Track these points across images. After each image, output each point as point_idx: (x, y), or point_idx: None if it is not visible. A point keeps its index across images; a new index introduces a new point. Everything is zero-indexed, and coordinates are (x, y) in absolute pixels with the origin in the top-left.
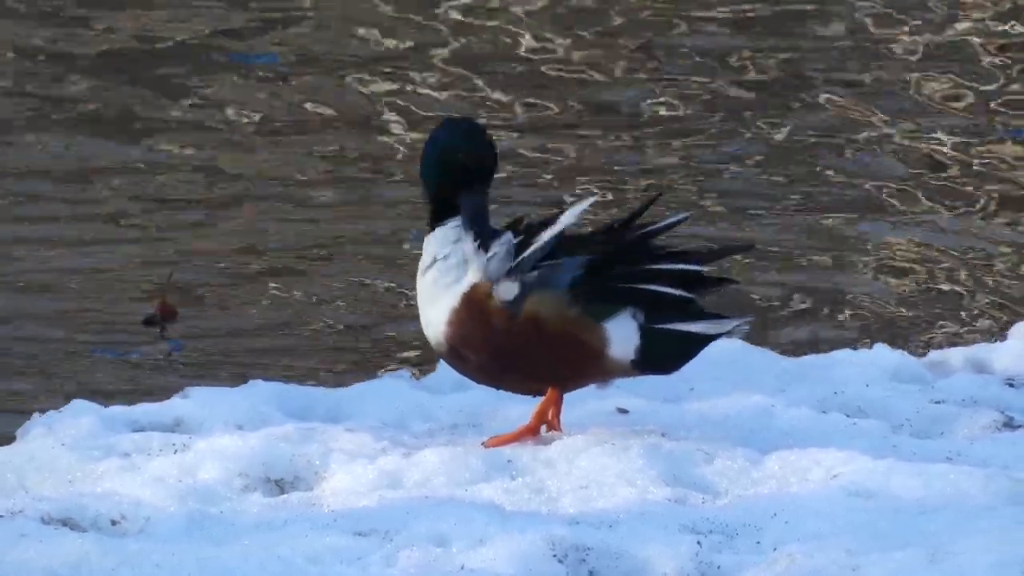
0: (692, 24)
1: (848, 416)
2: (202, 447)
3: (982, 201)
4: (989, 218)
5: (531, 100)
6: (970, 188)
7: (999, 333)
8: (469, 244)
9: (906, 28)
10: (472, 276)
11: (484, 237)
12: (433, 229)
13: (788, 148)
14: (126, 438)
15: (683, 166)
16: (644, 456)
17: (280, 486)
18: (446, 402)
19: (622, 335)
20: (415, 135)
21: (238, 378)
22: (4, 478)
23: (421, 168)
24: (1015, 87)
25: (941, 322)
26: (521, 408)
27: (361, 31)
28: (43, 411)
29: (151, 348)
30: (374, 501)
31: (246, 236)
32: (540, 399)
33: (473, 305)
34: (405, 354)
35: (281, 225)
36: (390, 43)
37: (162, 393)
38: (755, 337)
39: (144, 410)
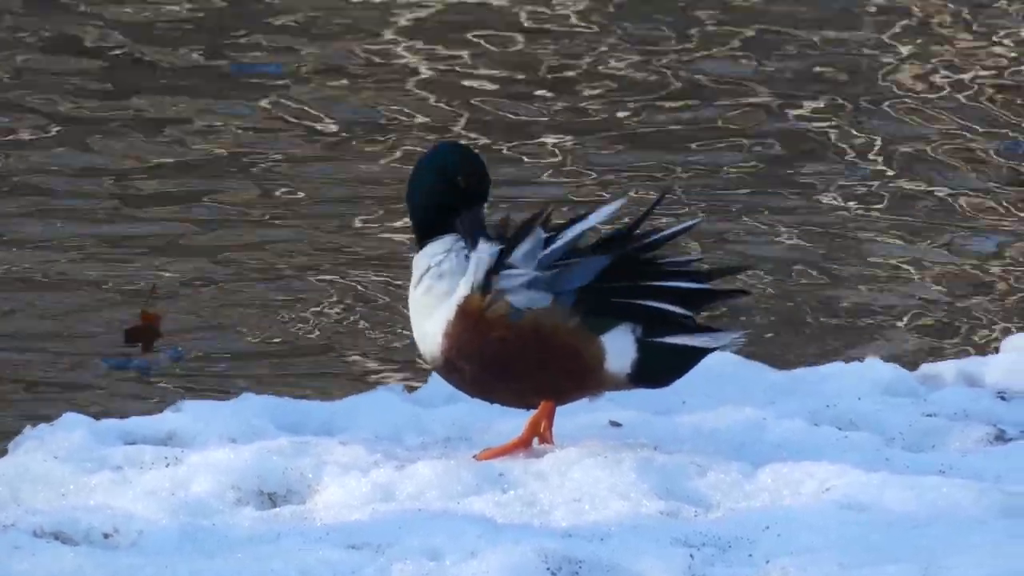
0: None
1: (840, 429)
2: (195, 460)
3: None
4: (986, 232)
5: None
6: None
7: (991, 346)
8: (472, 251)
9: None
10: (465, 287)
11: (487, 240)
12: (422, 247)
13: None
14: (118, 451)
15: (688, 170)
16: (636, 469)
17: (273, 499)
18: (439, 415)
19: (619, 349)
20: (406, 150)
21: (231, 391)
22: None
23: (413, 189)
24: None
25: (935, 334)
26: (513, 421)
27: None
28: (35, 424)
29: (146, 359)
30: (367, 514)
31: (239, 247)
32: (532, 412)
33: (469, 315)
34: (398, 367)
35: (274, 236)
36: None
37: (155, 406)
38: (747, 350)
39: (136, 423)
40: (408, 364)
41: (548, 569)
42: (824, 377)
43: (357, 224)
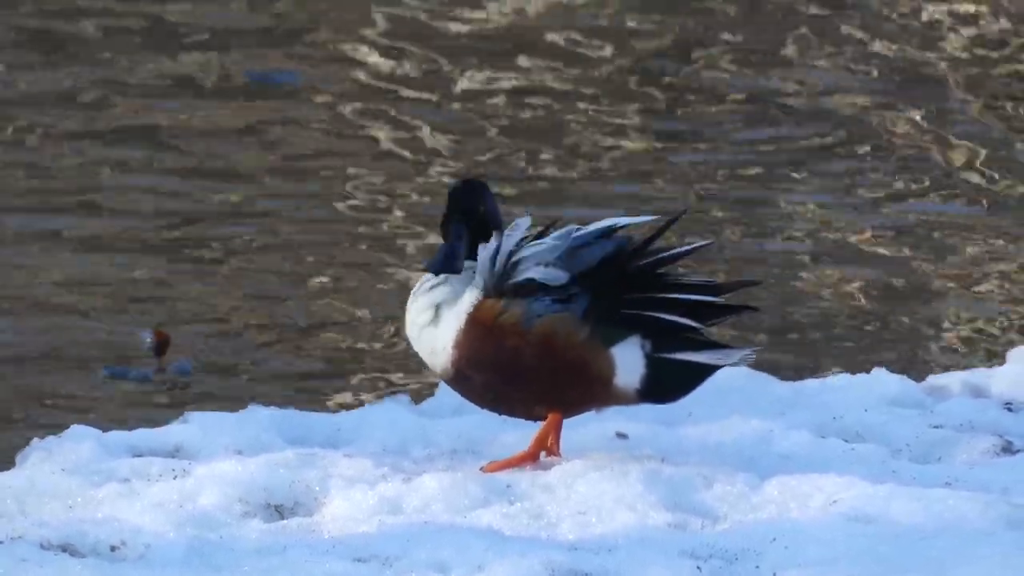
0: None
1: (847, 441)
2: (202, 473)
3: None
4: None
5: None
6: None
7: (997, 357)
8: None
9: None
10: (472, 295)
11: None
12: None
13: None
14: (125, 463)
15: (695, 179)
16: (643, 481)
17: (280, 512)
18: (445, 427)
19: (629, 363)
20: (419, 165)
21: (237, 403)
22: (4, 503)
23: (443, 223)
24: None
25: (941, 345)
26: (519, 433)
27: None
28: (42, 436)
29: (152, 371)
30: (374, 527)
31: (246, 260)
32: (540, 424)
33: (482, 322)
34: (404, 379)
35: (281, 249)
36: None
37: (161, 418)
38: (753, 361)
39: (143, 435)
40: (415, 376)
41: None
42: (830, 389)
43: (366, 235)
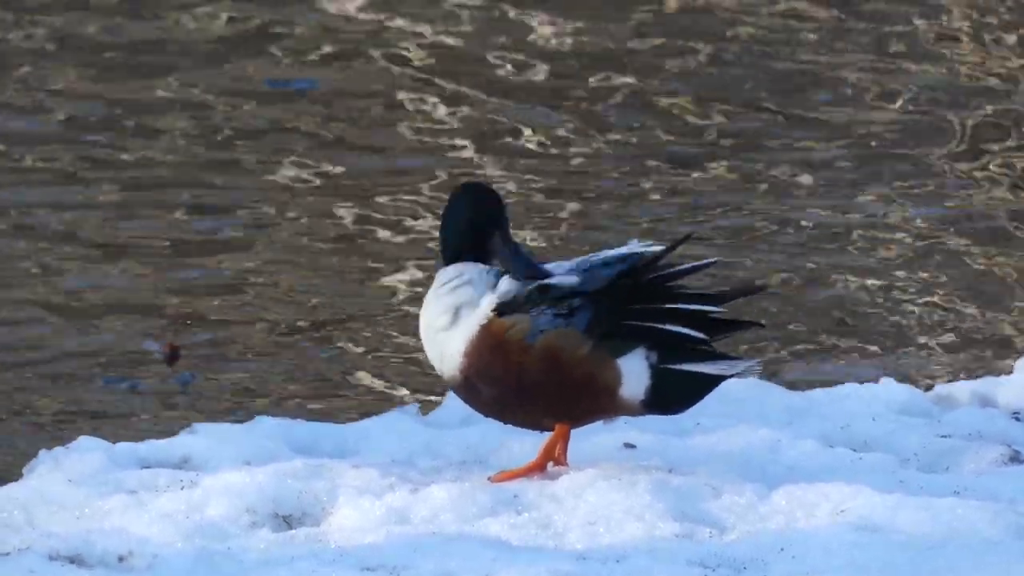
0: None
1: (855, 450)
2: (209, 483)
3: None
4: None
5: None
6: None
7: (1006, 367)
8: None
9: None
10: (488, 303)
11: (521, 259)
12: (450, 262)
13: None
14: (133, 474)
15: (698, 195)
16: (651, 491)
17: (288, 522)
18: (453, 437)
19: (635, 374)
20: (431, 169)
21: (245, 414)
22: (12, 515)
23: (446, 225)
24: None
25: (949, 354)
26: (527, 444)
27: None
28: (50, 447)
29: (159, 382)
30: (381, 537)
31: (252, 270)
32: (547, 435)
33: (491, 336)
34: (411, 389)
35: (288, 259)
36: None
37: (169, 429)
38: (760, 371)
39: (151, 446)
40: (423, 386)
41: None
42: (838, 398)
43: (371, 244)
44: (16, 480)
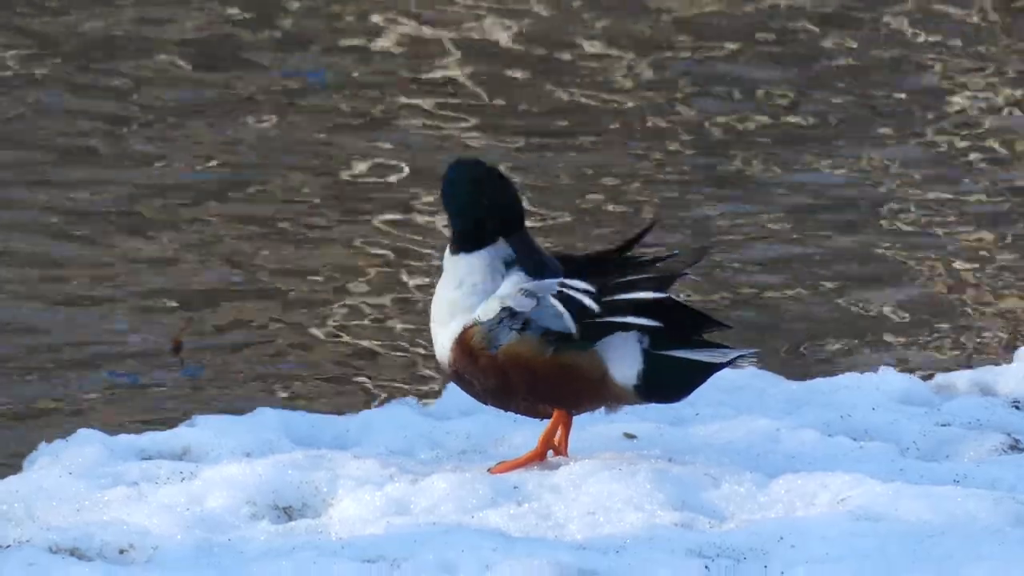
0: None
1: (854, 439)
2: (209, 475)
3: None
4: (1001, 237)
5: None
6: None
7: (1005, 355)
8: (516, 277)
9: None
10: (478, 311)
11: (539, 269)
12: (460, 252)
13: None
14: (133, 466)
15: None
16: (651, 481)
17: (288, 513)
18: (452, 428)
19: (625, 359)
20: (422, 165)
21: (245, 405)
22: (11, 507)
23: (459, 197)
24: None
25: (949, 344)
26: (527, 434)
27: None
28: (50, 440)
29: (160, 374)
30: (381, 528)
31: (253, 260)
32: (547, 423)
33: (464, 343)
34: (411, 381)
35: (288, 250)
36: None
37: (169, 421)
38: (760, 360)
39: (151, 438)
40: (422, 377)
41: None
42: (838, 387)
43: (369, 238)
44: (16, 473)
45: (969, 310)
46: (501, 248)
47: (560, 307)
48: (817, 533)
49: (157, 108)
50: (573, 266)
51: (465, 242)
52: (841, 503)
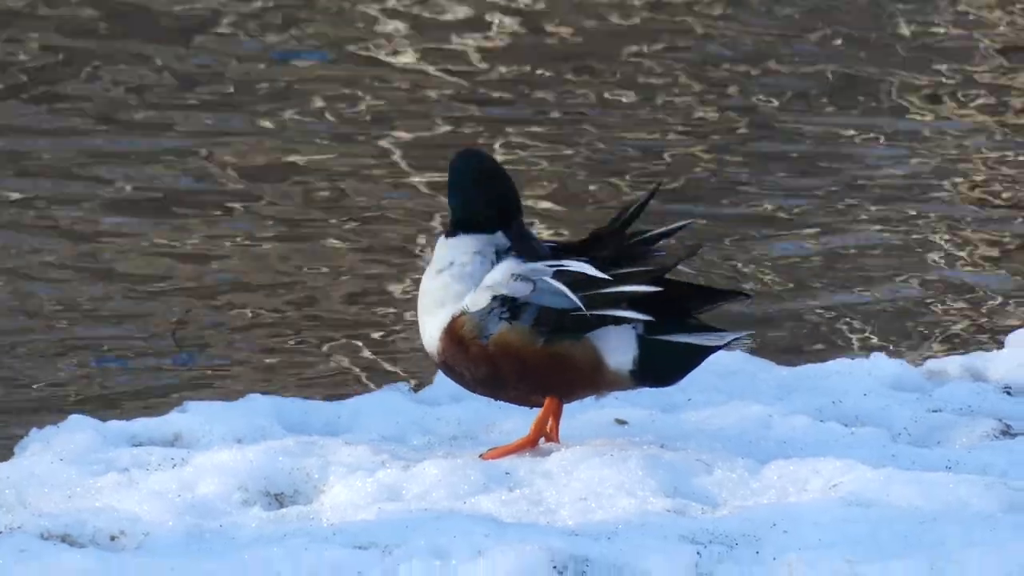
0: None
1: (846, 425)
2: (201, 461)
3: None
4: (990, 225)
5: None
6: (976, 195)
7: (996, 341)
8: (513, 264)
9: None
10: (467, 299)
11: (533, 256)
12: (453, 234)
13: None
14: (125, 453)
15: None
16: (643, 467)
17: (279, 500)
18: (444, 414)
19: (620, 346)
20: (422, 149)
21: (236, 392)
22: (3, 494)
23: (462, 186)
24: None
25: (940, 330)
26: (519, 420)
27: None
28: (41, 426)
29: (152, 360)
30: (373, 514)
31: (247, 249)
32: (538, 411)
33: (454, 334)
34: (402, 367)
35: (280, 235)
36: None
37: (160, 407)
38: (752, 347)
39: (143, 424)
40: (414, 363)
41: (555, 568)
42: (830, 373)
43: (361, 221)
44: (7, 459)
45: (960, 295)
46: (496, 238)
47: (558, 285)
48: (809, 519)
49: (152, 89)
50: (571, 251)
51: (461, 226)
52: (833, 489)
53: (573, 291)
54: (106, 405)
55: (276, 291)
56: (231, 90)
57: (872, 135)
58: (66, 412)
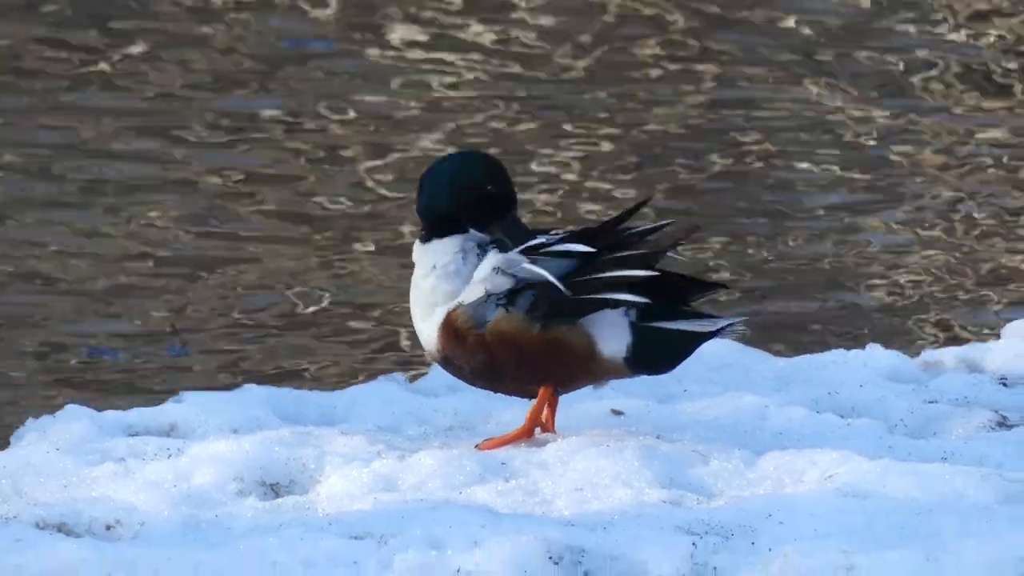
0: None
1: (842, 416)
2: (196, 451)
3: (976, 197)
4: (982, 212)
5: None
6: (965, 183)
7: (992, 332)
8: (514, 259)
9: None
10: (464, 294)
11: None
12: (430, 240)
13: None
14: (120, 443)
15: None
16: (639, 457)
17: (275, 490)
18: (440, 405)
19: (613, 333)
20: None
21: (232, 382)
22: None
23: (435, 189)
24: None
25: (936, 321)
26: (515, 411)
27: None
28: (37, 416)
29: (147, 350)
30: (369, 504)
31: (242, 239)
32: (534, 401)
33: (451, 327)
34: (398, 357)
35: (277, 228)
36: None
37: (156, 397)
38: (748, 337)
39: (138, 414)
40: (410, 354)
41: (550, 558)
42: (825, 364)
43: (360, 211)
44: (3, 449)
45: (956, 286)
46: (472, 235)
47: (538, 270)
48: (805, 510)
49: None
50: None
51: (434, 231)
52: (829, 480)
53: (564, 276)
54: (102, 395)
55: (272, 281)
56: (247, 73)
57: (869, 125)
58: (62, 402)
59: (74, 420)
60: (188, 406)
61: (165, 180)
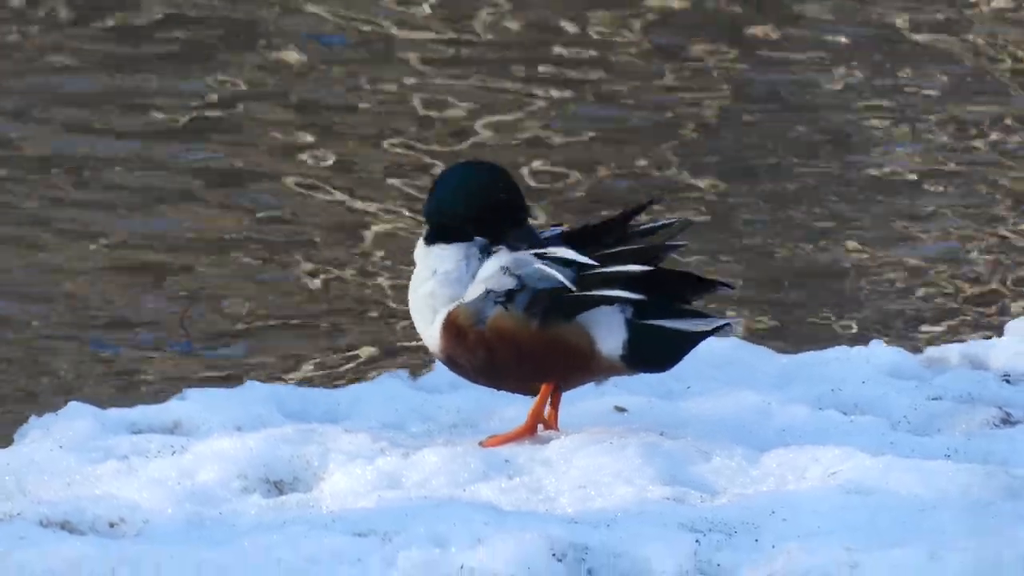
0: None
1: (845, 413)
2: (200, 449)
3: (983, 198)
4: (988, 213)
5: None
6: (976, 185)
7: (996, 329)
8: (528, 261)
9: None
10: (469, 292)
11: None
12: (434, 243)
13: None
14: (124, 440)
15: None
16: (642, 455)
17: (279, 487)
18: (444, 402)
19: (610, 330)
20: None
21: (235, 379)
22: (2, 481)
23: (446, 194)
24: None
25: (939, 317)
26: (519, 408)
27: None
28: (40, 413)
29: (151, 347)
30: (373, 502)
31: (244, 233)
32: (536, 398)
33: (452, 325)
34: (402, 354)
35: (281, 225)
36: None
37: (160, 394)
38: (750, 334)
39: (142, 412)
40: (413, 351)
41: (554, 555)
42: (828, 361)
43: (363, 209)
44: (6, 446)
45: (960, 284)
46: (476, 242)
47: (546, 267)
48: (808, 507)
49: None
50: (569, 238)
51: (440, 236)
52: (832, 477)
53: (562, 273)
54: (105, 392)
55: (276, 278)
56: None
57: (876, 125)
58: (65, 399)
59: (77, 417)
60: (192, 403)
61: (168, 177)
